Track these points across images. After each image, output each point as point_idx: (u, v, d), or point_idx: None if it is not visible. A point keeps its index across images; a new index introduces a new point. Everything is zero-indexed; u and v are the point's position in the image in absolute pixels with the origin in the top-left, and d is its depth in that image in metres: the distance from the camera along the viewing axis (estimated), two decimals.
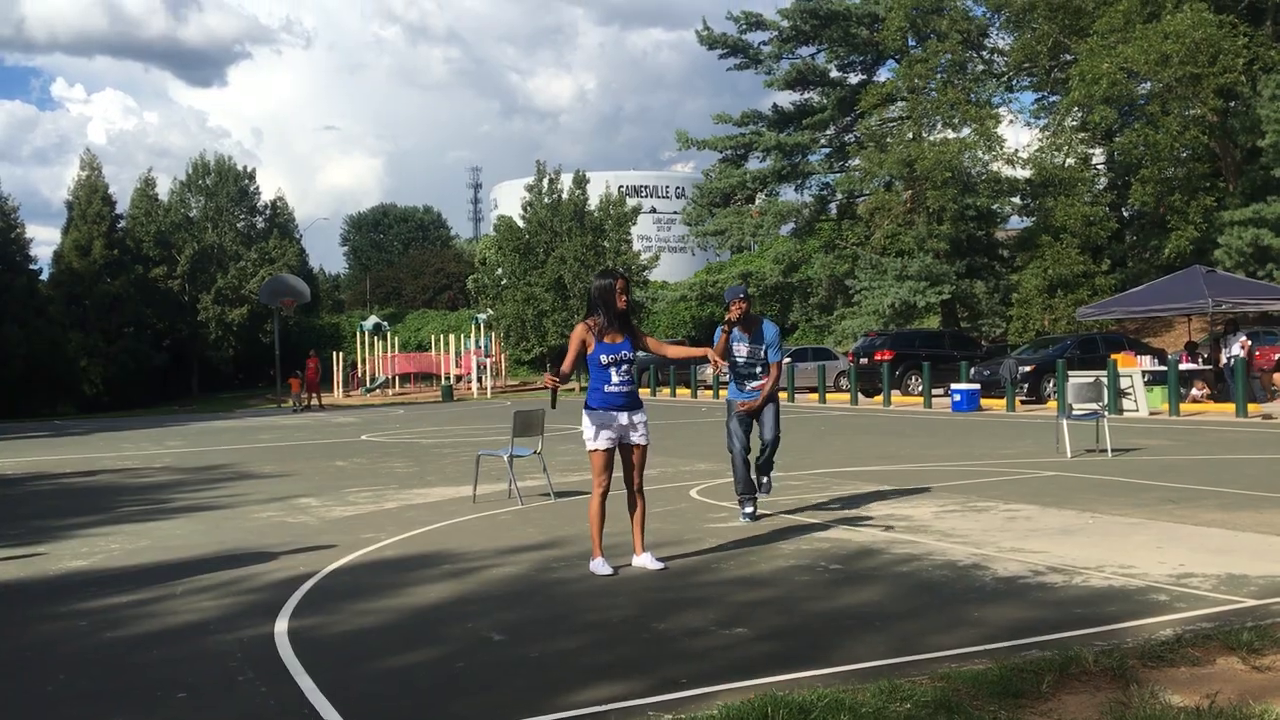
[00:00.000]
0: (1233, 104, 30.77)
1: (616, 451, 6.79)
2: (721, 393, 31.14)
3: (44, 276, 45.89)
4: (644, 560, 6.86)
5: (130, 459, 16.76)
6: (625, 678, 4.61)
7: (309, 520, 9.46)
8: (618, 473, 6.87)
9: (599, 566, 6.73)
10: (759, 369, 8.56)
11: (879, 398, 25.94)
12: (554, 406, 7.43)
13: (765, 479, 8.78)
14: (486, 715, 4.17)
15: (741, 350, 8.55)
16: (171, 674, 4.88)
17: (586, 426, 6.75)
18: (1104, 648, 4.69)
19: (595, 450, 6.72)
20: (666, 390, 34.19)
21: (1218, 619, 5.19)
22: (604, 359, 6.71)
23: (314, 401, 35.13)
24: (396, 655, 5.11)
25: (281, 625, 5.67)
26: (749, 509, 8.66)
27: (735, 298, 8.36)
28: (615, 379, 6.71)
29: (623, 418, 6.75)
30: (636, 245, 47.16)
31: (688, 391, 33.14)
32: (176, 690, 4.63)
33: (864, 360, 27.88)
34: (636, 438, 6.80)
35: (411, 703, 4.38)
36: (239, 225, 52.84)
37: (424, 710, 4.28)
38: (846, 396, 26.63)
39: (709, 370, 8.26)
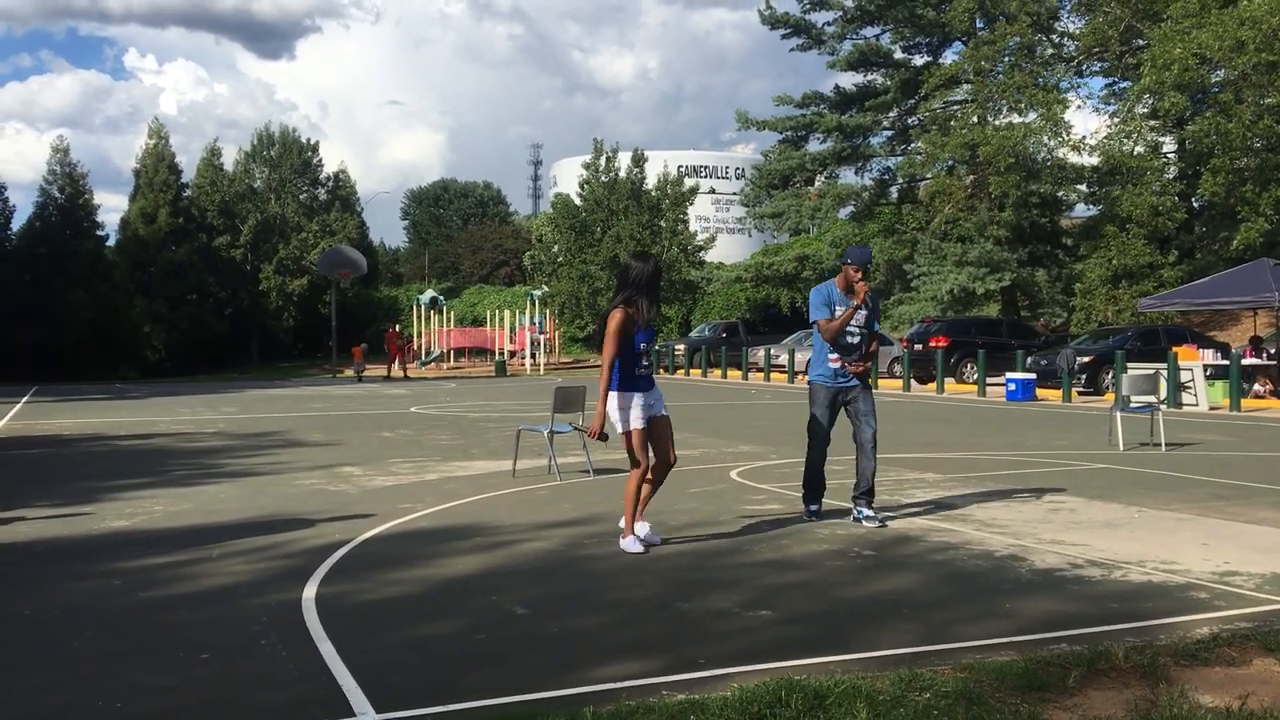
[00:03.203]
0: None
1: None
2: (778, 377, 30.94)
3: (110, 243, 46.80)
4: (643, 528, 6.87)
5: (185, 423, 17.04)
6: (643, 656, 4.58)
7: (349, 489, 9.54)
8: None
9: (630, 545, 6.70)
10: (860, 342, 7.58)
11: (932, 385, 25.62)
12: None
13: (871, 506, 7.58)
14: (500, 688, 4.16)
15: (857, 318, 7.53)
16: (197, 635, 4.94)
17: (618, 409, 6.67)
18: (1136, 644, 4.57)
19: (635, 430, 6.67)
20: (718, 371, 34.07)
21: (1259, 619, 5.03)
22: (642, 345, 6.71)
23: (394, 372, 36.40)
24: (419, 625, 5.12)
25: (310, 591, 5.71)
26: (815, 505, 7.79)
27: (861, 262, 7.44)
28: (644, 362, 6.74)
29: (650, 398, 6.76)
30: (694, 225, 47.00)
31: (738, 373, 32.99)
32: (200, 651, 4.68)
33: (918, 346, 27.52)
34: (661, 409, 6.81)
35: (428, 672, 4.38)
36: (301, 197, 53.38)
37: (439, 680, 4.28)
38: (899, 383, 26.34)
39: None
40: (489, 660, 4.55)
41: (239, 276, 48.43)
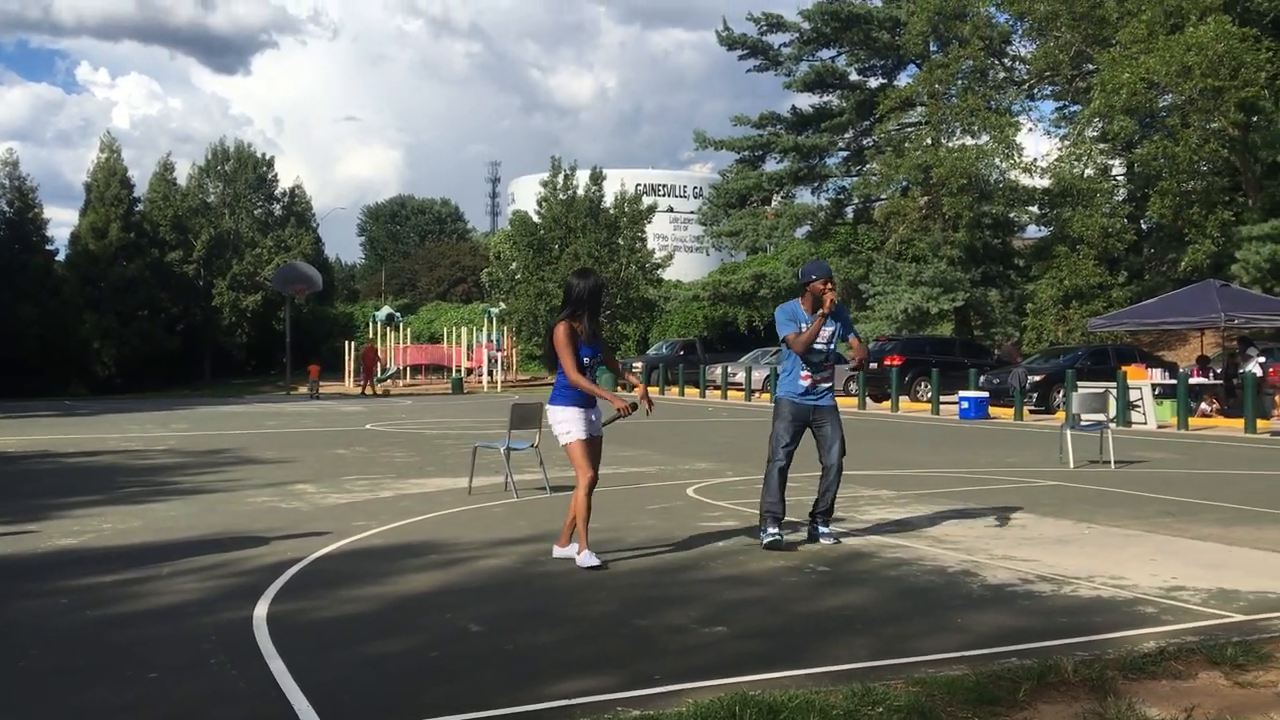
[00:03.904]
0: (1254, 118, 30.50)
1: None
2: (735, 395, 31.03)
3: (60, 257, 46.13)
4: (569, 551, 6.89)
5: (135, 441, 16.80)
6: (599, 672, 4.57)
7: (302, 506, 9.44)
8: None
9: (586, 559, 6.69)
10: (830, 359, 7.48)
11: (887, 403, 25.83)
12: (650, 411, 7.02)
13: (829, 526, 7.58)
14: (454, 705, 4.13)
15: (824, 333, 7.39)
16: (145, 654, 4.86)
17: (561, 421, 6.72)
18: (1085, 658, 4.63)
19: (579, 441, 6.69)
20: (675, 389, 34.14)
21: (1204, 633, 5.11)
22: (586, 359, 6.74)
23: (369, 390, 36.12)
24: (372, 643, 5.07)
25: (261, 609, 5.64)
26: (774, 529, 7.32)
27: (827, 275, 7.36)
28: (588, 378, 6.76)
29: (591, 414, 6.80)
30: (652, 243, 47.11)
31: (696, 391, 33.06)
32: (148, 670, 4.61)
33: (873, 365, 27.75)
34: (598, 431, 6.86)
35: (381, 690, 4.35)
36: (256, 212, 52.95)
37: (392, 697, 4.25)
38: (855, 401, 26.54)
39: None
40: (443, 677, 4.52)
41: (191, 292, 47.89)
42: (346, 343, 45.04)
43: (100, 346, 43.30)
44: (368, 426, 19.97)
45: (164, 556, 7.13)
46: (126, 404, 30.57)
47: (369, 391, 36.72)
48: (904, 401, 25.98)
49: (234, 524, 8.48)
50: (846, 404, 26.63)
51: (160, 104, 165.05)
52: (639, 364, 37.42)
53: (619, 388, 17.07)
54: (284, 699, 4.20)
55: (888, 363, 27.09)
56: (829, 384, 7.50)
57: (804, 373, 7.43)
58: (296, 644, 4.99)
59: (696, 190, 63.52)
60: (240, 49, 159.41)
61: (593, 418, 6.78)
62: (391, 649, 4.97)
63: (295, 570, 6.65)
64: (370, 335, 44.41)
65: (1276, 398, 19.47)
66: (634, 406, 6.71)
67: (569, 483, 10.55)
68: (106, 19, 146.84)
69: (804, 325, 7.39)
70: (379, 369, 40.71)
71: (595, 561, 6.67)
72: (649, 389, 7.07)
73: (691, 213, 58.61)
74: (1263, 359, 20.75)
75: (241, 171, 52.76)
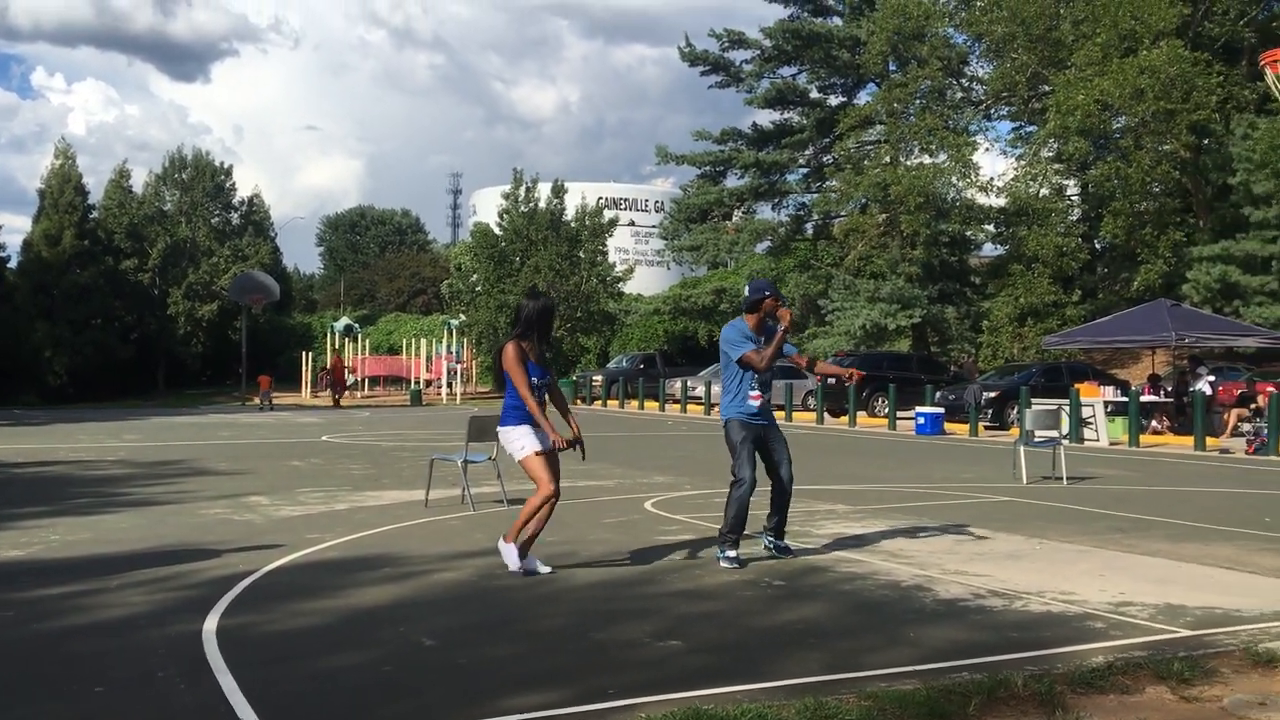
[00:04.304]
0: (1205, 141, 31.13)
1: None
2: (694, 408, 31.07)
3: (13, 264, 45.36)
4: (509, 553, 6.87)
5: (85, 451, 16.55)
6: (552, 687, 4.56)
7: (255, 519, 9.34)
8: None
9: (509, 553, 6.81)
10: (771, 374, 7.48)
11: (845, 418, 25.99)
12: (584, 458, 7.13)
13: (784, 538, 7.64)
14: None
15: (769, 351, 7.38)
16: (92, 668, 4.79)
17: (515, 439, 6.75)
18: (1034, 673, 4.68)
19: (536, 453, 6.71)
20: (635, 402, 34.13)
21: (1151, 648, 5.19)
22: (535, 380, 6.75)
23: (339, 402, 35.74)
24: (323, 657, 5.03)
25: (211, 623, 5.57)
26: (733, 552, 7.25)
27: (777, 292, 7.38)
28: (539, 397, 6.77)
29: (543, 432, 6.80)
30: (613, 257, 47.17)
31: (655, 404, 33.10)
32: (94, 684, 4.54)
33: (831, 380, 27.91)
34: (549, 445, 6.83)
35: (332, 704, 4.31)
36: (213, 221, 52.38)
37: (343, 713, 4.21)
38: (813, 416, 26.67)
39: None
40: (395, 692, 4.49)
41: (146, 301, 47.25)
42: (304, 353, 44.66)
43: (52, 355, 42.59)
44: (324, 438, 19.80)
45: (113, 569, 7.03)
46: (78, 414, 30.10)
47: (340, 403, 36.26)
48: (861, 417, 26.17)
49: (185, 536, 8.37)
50: (805, 418, 26.80)
51: (117, 111, 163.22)
52: (598, 377, 37.40)
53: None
54: (233, 714, 4.15)
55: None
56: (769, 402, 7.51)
57: (754, 391, 7.36)
58: (247, 658, 4.93)
59: (658, 204, 63.71)
60: (200, 56, 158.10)
61: (543, 434, 6.76)
62: (343, 663, 4.93)
63: (247, 583, 6.58)
64: (335, 346, 43.98)
65: (1225, 416, 19.81)
66: (571, 444, 6.72)
67: (527, 495, 10.53)
68: (63, 24, 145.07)
69: (757, 343, 7.36)
70: (324, 381, 40.35)
71: (515, 560, 6.74)
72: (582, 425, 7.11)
73: (653, 227, 58.77)
74: (1213, 378, 21.14)
75: (199, 179, 52.22)
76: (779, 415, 28.17)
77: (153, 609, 5.94)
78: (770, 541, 7.66)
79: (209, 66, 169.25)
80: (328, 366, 40.40)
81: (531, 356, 6.74)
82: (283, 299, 47.41)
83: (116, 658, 4.97)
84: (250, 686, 4.47)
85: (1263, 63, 8.92)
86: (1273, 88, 8.92)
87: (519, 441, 6.72)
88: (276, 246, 54.42)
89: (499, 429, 6.92)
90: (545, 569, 6.89)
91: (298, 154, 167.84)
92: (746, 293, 7.54)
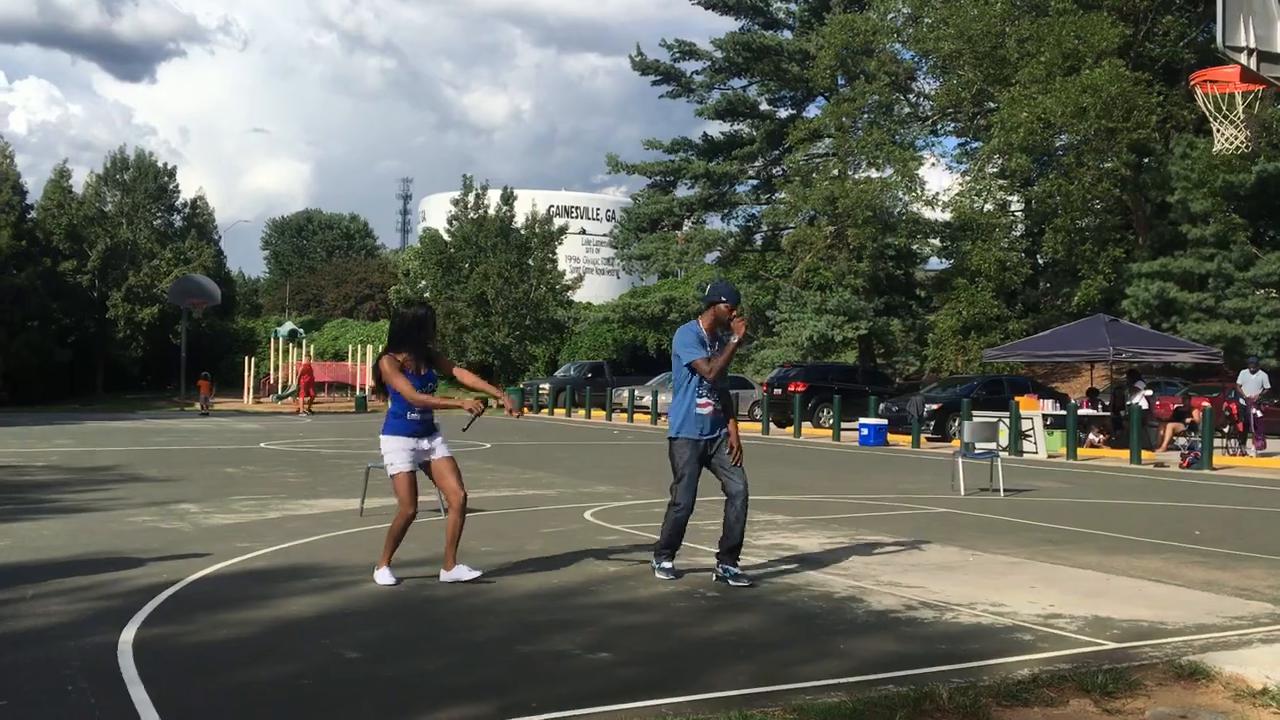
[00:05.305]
0: (1145, 160, 31.71)
1: (419, 473, 6.84)
2: (641, 417, 31.01)
3: None
4: (457, 573, 6.83)
5: (12, 455, 16.14)
6: (476, 700, 4.48)
7: (184, 527, 9.15)
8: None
9: (383, 576, 6.78)
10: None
11: (790, 428, 26.10)
12: (465, 430, 7.30)
13: (738, 564, 7.07)
14: None
15: (719, 361, 7.08)
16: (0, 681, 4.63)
17: (388, 452, 6.77)
18: (960, 685, 4.68)
19: (401, 473, 6.72)
20: (582, 411, 34.03)
21: (1077, 660, 5.22)
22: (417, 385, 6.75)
23: (303, 408, 34.63)
24: (243, 670, 4.91)
25: (128, 634, 5.42)
26: (669, 564, 7.17)
27: (736, 300, 7.09)
28: (418, 410, 6.74)
29: (423, 444, 6.80)
30: (563, 265, 47.09)
31: (602, 413, 33.02)
32: None
33: (777, 391, 28.05)
34: (442, 453, 6.84)
35: (243, 718, 4.20)
36: (155, 223, 51.50)
37: None
38: (759, 426, 26.75)
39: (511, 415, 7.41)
40: (313, 707, 4.39)
41: (85, 303, 46.31)
42: (247, 358, 44.03)
43: None
44: (262, 445, 19.49)
45: (31, 578, 6.83)
46: (10, 417, 29.39)
47: (307, 410, 35.16)
48: (806, 427, 26.28)
49: (110, 544, 8.16)
50: (751, 429, 26.86)
51: (60, 110, 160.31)
52: (545, 386, 37.25)
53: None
54: None
55: (792, 389, 27.41)
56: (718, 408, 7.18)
57: (702, 399, 7.08)
58: (162, 670, 4.80)
59: (609, 213, 63.77)
60: (146, 57, 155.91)
61: (424, 445, 6.78)
62: (262, 676, 4.81)
63: (169, 593, 6.42)
64: (306, 352, 43.18)
65: (1161, 430, 20.15)
66: (485, 402, 6.69)
67: (483, 502, 10.42)
68: (5, 20, 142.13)
69: (709, 349, 7.07)
70: (281, 386, 39.71)
71: (390, 580, 6.75)
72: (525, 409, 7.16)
73: (603, 235, 58.83)
74: (1149, 392, 21.47)
75: (141, 181, 51.33)
76: None
77: (69, 620, 5.77)
78: (723, 570, 7.05)
79: (155, 67, 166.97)
80: (299, 371, 39.22)
81: (409, 368, 6.69)
82: (226, 303, 46.68)
83: (27, 670, 4.81)
84: (162, 700, 4.35)
85: (1193, 82, 9.07)
86: (1203, 106, 9.03)
87: (389, 457, 6.75)
88: (220, 250, 53.57)
89: (380, 437, 6.88)
90: (474, 573, 6.85)
91: (245, 156, 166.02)
92: (707, 291, 7.30)
